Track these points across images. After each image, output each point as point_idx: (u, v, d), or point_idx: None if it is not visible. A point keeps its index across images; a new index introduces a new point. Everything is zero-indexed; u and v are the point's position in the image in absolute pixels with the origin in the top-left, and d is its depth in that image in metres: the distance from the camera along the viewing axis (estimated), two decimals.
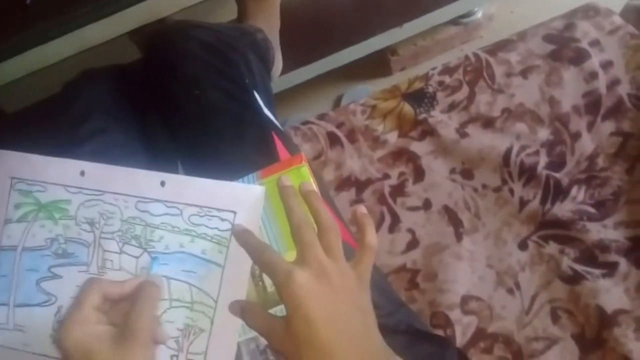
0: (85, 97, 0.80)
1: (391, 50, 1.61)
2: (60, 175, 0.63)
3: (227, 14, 1.37)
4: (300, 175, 0.62)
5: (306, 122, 1.10)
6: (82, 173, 0.63)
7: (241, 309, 0.58)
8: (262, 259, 0.56)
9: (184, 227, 0.61)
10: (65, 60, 0.94)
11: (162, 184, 0.62)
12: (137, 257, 0.61)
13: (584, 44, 1.06)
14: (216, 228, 0.61)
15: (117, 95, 0.83)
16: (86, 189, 0.63)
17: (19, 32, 0.91)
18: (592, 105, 1.02)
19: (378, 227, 1.00)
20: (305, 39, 1.40)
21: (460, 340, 0.90)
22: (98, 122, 0.78)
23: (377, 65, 1.63)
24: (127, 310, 0.56)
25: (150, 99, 0.81)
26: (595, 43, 1.06)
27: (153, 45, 0.82)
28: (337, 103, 1.65)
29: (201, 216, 0.61)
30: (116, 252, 0.62)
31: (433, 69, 1.12)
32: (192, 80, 0.75)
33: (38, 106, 1.04)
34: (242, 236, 0.59)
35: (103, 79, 0.84)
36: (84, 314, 0.54)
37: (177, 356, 0.59)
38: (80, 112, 0.78)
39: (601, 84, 1.03)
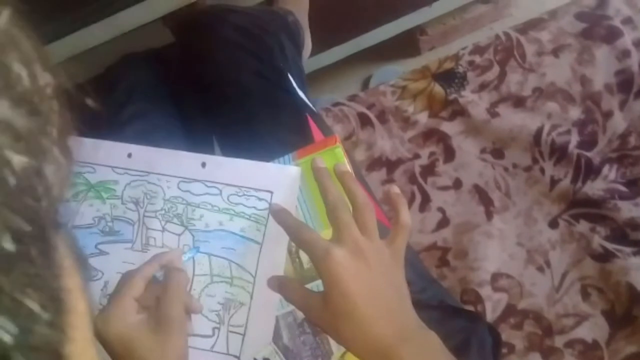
0: (126, 81, 0.83)
1: (420, 29, 1.59)
2: (108, 157, 0.66)
3: None
4: (334, 156, 0.64)
5: (337, 104, 1.12)
6: (130, 155, 0.66)
7: (279, 284, 0.60)
8: (300, 236, 0.58)
9: (223, 206, 0.63)
10: (102, 45, 0.97)
11: (203, 165, 0.64)
12: (179, 235, 0.64)
13: (617, 22, 1.05)
14: (254, 207, 0.63)
15: (156, 79, 0.85)
16: (132, 170, 0.65)
17: (57, 17, 0.93)
18: (624, 83, 1.02)
19: (409, 207, 1.01)
20: (334, 20, 1.40)
21: (490, 316, 0.92)
22: (139, 105, 0.80)
23: (405, 45, 1.62)
24: (157, 293, 0.58)
25: (187, 83, 0.83)
26: (628, 21, 1.05)
27: (189, 30, 0.83)
28: (365, 84, 1.65)
29: (239, 196, 0.64)
30: (159, 230, 0.64)
31: (463, 48, 1.12)
32: (228, 64, 0.77)
33: (81, 89, 1.07)
34: (280, 215, 0.61)
35: (142, 63, 0.87)
36: (124, 306, 0.56)
37: (219, 328, 0.61)
38: (122, 95, 0.81)
39: (634, 62, 1.02)
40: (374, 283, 0.56)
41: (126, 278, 0.59)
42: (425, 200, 1.02)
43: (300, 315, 0.63)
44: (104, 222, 0.66)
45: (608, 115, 1.00)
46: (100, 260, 0.65)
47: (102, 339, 0.56)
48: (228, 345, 0.61)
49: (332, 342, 0.61)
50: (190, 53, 0.82)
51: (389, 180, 1.03)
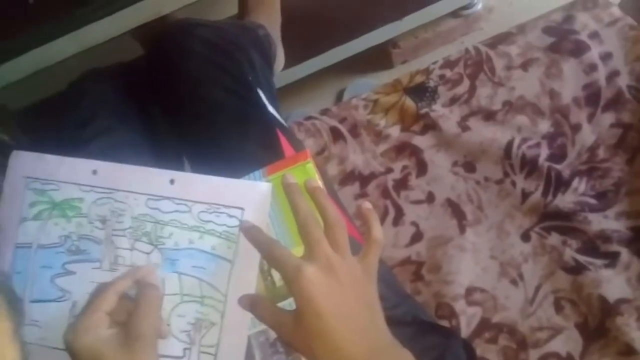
0: (90, 96, 0.81)
1: (392, 43, 1.61)
2: (73, 174, 0.65)
3: (227, 9, 1.37)
4: (305, 172, 0.63)
5: (309, 117, 1.11)
6: (95, 172, 0.64)
7: (250, 303, 0.59)
8: (271, 254, 0.57)
9: (193, 224, 0.62)
10: (68, 59, 0.95)
11: (172, 181, 0.63)
12: (148, 254, 0.63)
13: (583, 36, 1.07)
14: (224, 224, 0.62)
15: (122, 94, 0.83)
16: (98, 187, 0.64)
17: (22, 32, 0.91)
18: (592, 97, 1.03)
19: (382, 221, 1.01)
20: (307, 33, 1.40)
21: (465, 330, 0.91)
22: (103, 121, 0.78)
23: (378, 58, 1.64)
24: (129, 308, 0.57)
25: (154, 97, 0.81)
26: (594, 35, 1.07)
27: (156, 44, 0.82)
28: (339, 97, 1.66)
29: (210, 213, 0.62)
30: (127, 249, 0.63)
31: (434, 62, 1.13)
32: (195, 79, 0.76)
33: (43, 106, 1.05)
34: (251, 232, 0.60)
35: (107, 78, 0.85)
36: (96, 319, 0.55)
37: (189, 349, 0.60)
38: (86, 111, 0.79)
39: (601, 75, 1.04)
40: (346, 300, 0.55)
41: (99, 291, 0.58)
42: (399, 214, 1.02)
43: (272, 334, 0.62)
44: (70, 241, 0.64)
45: (576, 128, 1.02)
46: (68, 280, 0.63)
47: (71, 351, 0.55)
48: None
49: None
50: (157, 67, 0.81)
51: (362, 195, 1.03)
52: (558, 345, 0.88)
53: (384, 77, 1.54)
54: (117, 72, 0.87)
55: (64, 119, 0.79)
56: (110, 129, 0.78)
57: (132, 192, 0.63)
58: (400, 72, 1.18)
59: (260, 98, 0.78)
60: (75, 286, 0.63)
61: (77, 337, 0.55)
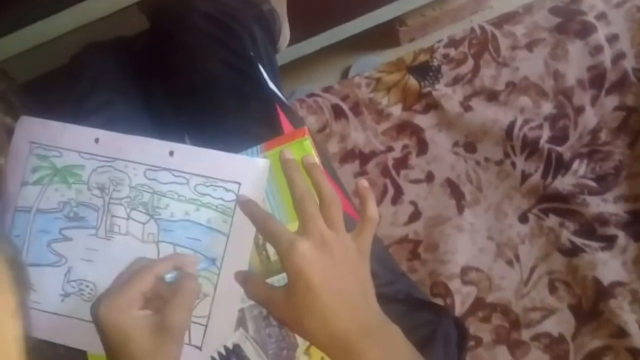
0: (91, 70, 0.81)
1: (400, 21, 1.59)
2: (76, 141, 0.65)
3: None
4: (302, 149, 0.63)
5: (311, 95, 1.11)
6: (97, 140, 0.65)
7: (243, 279, 0.60)
8: (266, 228, 0.58)
9: (189, 196, 0.63)
10: (71, 33, 0.95)
11: (171, 153, 0.64)
12: (144, 223, 0.63)
13: (590, 17, 1.06)
14: (221, 198, 0.63)
15: (123, 68, 0.83)
16: (99, 155, 0.65)
17: (24, 4, 0.91)
18: (596, 79, 1.02)
19: (381, 199, 1.02)
20: (314, 9, 1.39)
21: (459, 309, 0.92)
22: (104, 95, 0.79)
23: (385, 36, 1.62)
24: (163, 292, 0.57)
25: (155, 71, 0.81)
26: (601, 16, 1.06)
27: (157, 18, 0.82)
28: (345, 74, 1.65)
29: (207, 186, 0.63)
30: (124, 218, 0.64)
31: (439, 41, 1.12)
32: (195, 52, 0.76)
33: (45, 78, 1.05)
34: (247, 206, 0.61)
35: (109, 51, 0.85)
36: (131, 298, 0.55)
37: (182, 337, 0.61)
38: (87, 85, 0.79)
39: (606, 57, 1.03)
40: (338, 276, 0.56)
41: (137, 269, 0.57)
42: (398, 193, 1.02)
43: None
44: (69, 207, 0.65)
45: (580, 110, 1.01)
46: (64, 246, 0.64)
47: (99, 324, 0.55)
48: (190, 335, 0.61)
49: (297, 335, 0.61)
50: (158, 41, 0.81)
51: (362, 173, 1.04)
52: (550, 325, 0.89)
53: (391, 55, 1.52)
54: (118, 46, 0.87)
55: (65, 92, 0.79)
56: (111, 103, 0.78)
57: (131, 161, 0.64)
58: (407, 51, 1.18)
59: (260, 74, 0.78)
60: (71, 252, 0.64)
61: (108, 313, 0.54)
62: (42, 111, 0.68)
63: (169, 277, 0.58)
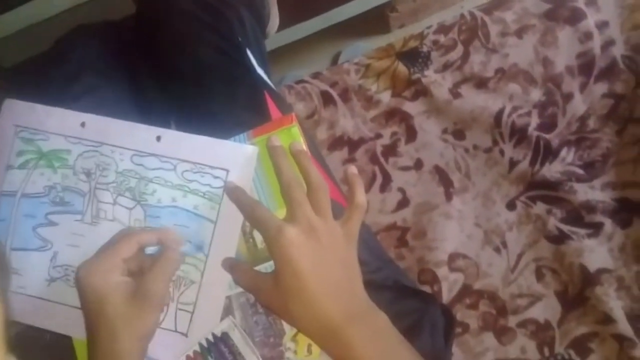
0: (77, 54, 0.80)
1: (390, 6, 1.59)
2: (62, 125, 0.65)
3: None
4: (290, 135, 0.63)
5: (300, 81, 1.11)
6: (83, 124, 0.65)
7: (230, 266, 0.60)
8: (253, 215, 0.58)
9: (177, 182, 0.63)
10: (59, 16, 0.94)
11: (158, 138, 0.63)
12: (130, 209, 0.63)
13: (580, 4, 1.05)
14: (208, 185, 0.62)
15: (110, 52, 0.82)
16: (86, 140, 0.64)
17: None
18: (585, 66, 1.02)
19: (370, 186, 1.02)
20: None
21: (446, 296, 0.93)
22: (90, 80, 0.77)
23: (376, 21, 1.61)
24: (144, 263, 0.58)
25: (142, 55, 0.80)
26: (591, 2, 1.06)
27: (144, 1, 0.81)
28: (335, 60, 1.64)
29: (194, 172, 0.63)
30: (110, 203, 0.63)
31: (428, 27, 1.12)
32: (183, 37, 0.75)
33: (31, 62, 1.04)
34: (235, 193, 0.61)
35: (95, 35, 0.84)
36: (112, 262, 0.56)
37: (167, 305, 0.61)
38: (72, 69, 0.78)
39: (595, 44, 1.03)
40: (325, 262, 0.56)
41: (121, 236, 0.58)
42: (386, 180, 1.02)
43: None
44: (54, 191, 0.65)
45: (568, 97, 1.01)
46: (50, 231, 0.64)
47: (79, 285, 0.55)
48: (176, 322, 0.61)
49: (284, 322, 0.61)
50: (145, 24, 0.80)
51: (351, 160, 1.03)
52: (537, 312, 0.90)
53: (381, 41, 1.52)
54: (105, 30, 0.86)
55: (51, 75, 0.78)
56: (96, 87, 0.77)
57: (118, 146, 0.64)
58: (397, 37, 1.17)
59: (249, 59, 0.77)
60: (56, 237, 0.64)
61: (88, 275, 0.55)
62: (28, 95, 0.67)
63: (151, 249, 0.59)
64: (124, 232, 0.59)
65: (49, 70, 0.78)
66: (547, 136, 0.99)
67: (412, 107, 1.05)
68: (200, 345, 0.61)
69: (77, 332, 0.61)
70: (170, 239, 0.60)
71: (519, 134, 1.00)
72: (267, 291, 0.57)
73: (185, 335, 0.61)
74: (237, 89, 0.75)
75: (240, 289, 0.62)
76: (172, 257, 0.59)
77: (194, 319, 0.61)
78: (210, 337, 0.61)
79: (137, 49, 0.81)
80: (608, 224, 0.93)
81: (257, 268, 0.61)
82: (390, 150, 1.04)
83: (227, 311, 0.62)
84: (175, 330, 0.61)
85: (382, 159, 1.03)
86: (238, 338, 0.61)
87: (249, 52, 0.78)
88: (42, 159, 0.65)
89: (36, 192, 0.65)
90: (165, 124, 0.79)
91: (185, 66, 0.75)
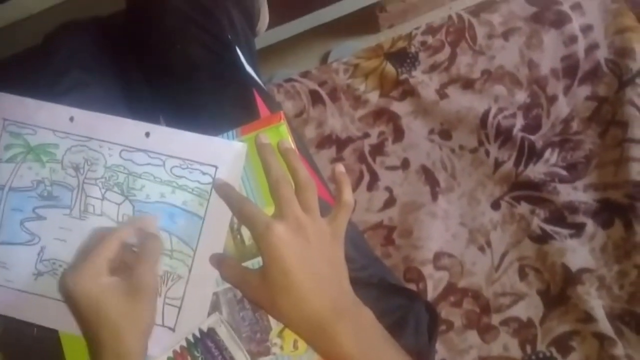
0: (66, 50, 0.80)
1: (380, 6, 1.60)
2: (50, 119, 0.65)
3: None
4: (278, 133, 0.64)
5: (289, 80, 1.11)
6: (72, 119, 0.65)
7: (218, 261, 0.61)
8: (241, 211, 0.59)
9: (165, 178, 0.63)
10: (48, 11, 0.93)
11: (147, 134, 0.64)
12: (118, 204, 0.64)
13: (566, 7, 1.07)
14: (197, 181, 0.63)
15: (98, 48, 0.82)
16: (74, 134, 0.65)
17: None
18: (570, 69, 1.04)
19: (357, 185, 1.03)
20: None
21: (431, 294, 0.94)
22: (78, 75, 0.78)
23: (365, 21, 1.62)
24: (128, 257, 0.58)
25: (131, 53, 0.81)
26: (576, 6, 1.07)
27: None
28: (324, 59, 1.65)
29: (183, 168, 0.63)
30: (98, 198, 0.64)
31: (417, 28, 1.12)
32: (172, 34, 0.75)
33: (18, 58, 1.04)
34: (223, 189, 0.61)
35: (84, 31, 0.84)
36: (99, 265, 0.55)
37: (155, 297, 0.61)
38: (61, 65, 0.78)
39: (580, 47, 1.04)
40: (313, 259, 0.57)
41: (101, 238, 0.58)
42: (374, 179, 1.03)
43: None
44: (42, 186, 0.65)
45: (553, 99, 1.03)
46: (37, 225, 0.64)
47: (68, 296, 0.55)
48: (163, 317, 0.61)
49: (271, 318, 0.62)
50: (135, 21, 0.80)
51: (339, 159, 1.04)
52: (520, 310, 0.91)
53: (370, 41, 1.53)
54: (94, 26, 0.86)
55: (39, 71, 0.78)
56: (85, 83, 0.77)
57: (107, 141, 0.64)
58: (386, 37, 1.18)
59: (238, 57, 0.78)
60: (44, 231, 0.64)
61: (77, 283, 0.54)
62: (16, 89, 0.67)
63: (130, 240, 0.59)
64: (102, 232, 0.59)
65: (38, 65, 0.78)
66: (531, 137, 1.00)
67: (400, 107, 1.06)
68: (187, 340, 0.62)
69: (64, 325, 0.62)
70: (145, 224, 0.61)
71: (504, 135, 1.01)
72: (255, 287, 0.57)
73: (173, 330, 0.61)
74: (226, 87, 0.75)
75: (227, 285, 0.62)
76: (154, 246, 0.60)
77: (181, 313, 0.61)
78: (197, 333, 0.62)
79: (126, 45, 0.81)
80: (590, 225, 0.94)
81: (244, 264, 0.62)
82: (378, 149, 1.04)
83: (215, 307, 0.62)
84: (163, 325, 0.61)
85: (369, 158, 1.04)
86: (224, 333, 0.62)
87: (238, 50, 0.78)
88: (30, 153, 0.65)
89: (24, 186, 0.65)
90: (155, 120, 0.79)
91: (175, 63, 0.76)
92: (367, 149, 1.05)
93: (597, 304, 0.89)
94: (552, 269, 0.92)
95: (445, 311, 0.93)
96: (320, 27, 1.45)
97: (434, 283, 0.94)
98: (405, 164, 1.03)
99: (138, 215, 0.63)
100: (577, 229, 0.94)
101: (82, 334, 0.57)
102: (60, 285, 0.56)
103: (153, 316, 0.58)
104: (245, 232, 0.63)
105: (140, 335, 0.56)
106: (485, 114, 1.03)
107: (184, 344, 0.61)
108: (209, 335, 0.62)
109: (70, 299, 0.55)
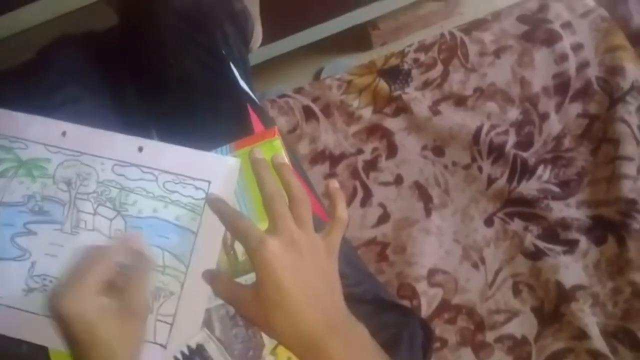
0: (60, 64, 0.80)
1: (372, 24, 1.61)
2: (42, 134, 0.65)
3: None
4: (272, 148, 0.64)
5: (282, 96, 1.12)
6: (64, 134, 0.64)
7: (210, 277, 0.60)
8: (235, 226, 0.58)
9: (158, 193, 0.63)
10: (42, 26, 0.93)
11: (140, 149, 0.63)
12: (110, 219, 0.63)
13: (556, 26, 1.08)
14: (190, 196, 0.63)
15: (92, 62, 0.82)
16: (66, 149, 0.64)
17: None
18: (561, 86, 1.05)
19: (350, 201, 1.03)
20: (287, 10, 1.40)
21: (425, 311, 0.93)
22: (72, 90, 0.77)
23: (358, 38, 1.64)
24: (117, 279, 0.56)
25: (124, 67, 0.81)
26: (567, 25, 1.08)
27: (129, 12, 0.81)
28: (317, 75, 1.66)
29: (176, 183, 0.63)
30: (90, 213, 0.63)
31: (409, 45, 1.13)
32: (167, 49, 0.75)
33: (12, 71, 1.03)
34: (216, 204, 0.61)
35: (77, 45, 0.84)
36: (93, 286, 0.54)
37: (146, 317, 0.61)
38: (54, 79, 0.78)
39: (571, 66, 1.05)
40: (306, 275, 0.56)
41: (89, 257, 0.56)
42: (367, 195, 1.03)
43: (233, 308, 0.63)
44: (33, 201, 0.64)
45: (544, 117, 1.03)
46: (28, 240, 0.63)
47: (59, 317, 0.53)
48: (155, 333, 0.60)
49: (264, 335, 0.62)
50: (129, 36, 0.80)
51: (332, 175, 1.04)
52: (514, 327, 0.91)
53: (363, 58, 1.54)
54: (88, 40, 0.86)
55: (32, 85, 0.78)
56: (78, 98, 0.77)
57: (99, 156, 0.64)
58: (379, 54, 1.19)
59: (232, 72, 0.78)
60: (35, 246, 0.63)
61: (68, 304, 0.52)
62: (9, 103, 0.67)
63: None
64: (91, 251, 0.57)
65: (31, 79, 0.78)
66: (524, 154, 1.01)
67: (393, 124, 1.07)
68: (176, 358, 0.61)
69: (54, 342, 0.60)
70: (132, 240, 0.60)
71: (496, 152, 1.02)
72: (248, 303, 0.57)
73: (164, 347, 0.60)
74: (220, 102, 0.75)
75: (220, 301, 0.62)
76: (144, 267, 0.59)
77: (173, 330, 0.60)
78: (186, 350, 0.61)
79: (120, 60, 0.81)
80: (583, 241, 0.94)
81: (238, 280, 0.61)
82: (371, 165, 1.05)
83: (206, 324, 0.62)
84: (154, 342, 0.60)
85: (363, 174, 1.04)
86: (213, 350, 0.61)
87: (232, 66, 0.78)
88: (22, 167, 0.65)
89: (15, 201, 0.64)
90: (148, 135, 0.79)
91: (169, 78, 0.76)
92: (360, 165, 1.05)
93: (591, 321, 0.89)
94: (545, 285, 0.92)
95: (439, 328, 0.92)
96: (313, 44, 1.46)
97: (427, 300, 0.94)
98: (398, 180, 1.03)
99: (130, 230, 0.62)
100: (571, 246, 0.94)
101: (71, 355, 0.56)
102: (51, 306, 0.54)
103: (144, 334, 0.58)
104: (239, 248, 0.62)
105: (131, 356, 0.55)
106: (478, 131, 1.03)
107: None
108: (198, 352, 0.61)
109: (62, 320, 0.53)
